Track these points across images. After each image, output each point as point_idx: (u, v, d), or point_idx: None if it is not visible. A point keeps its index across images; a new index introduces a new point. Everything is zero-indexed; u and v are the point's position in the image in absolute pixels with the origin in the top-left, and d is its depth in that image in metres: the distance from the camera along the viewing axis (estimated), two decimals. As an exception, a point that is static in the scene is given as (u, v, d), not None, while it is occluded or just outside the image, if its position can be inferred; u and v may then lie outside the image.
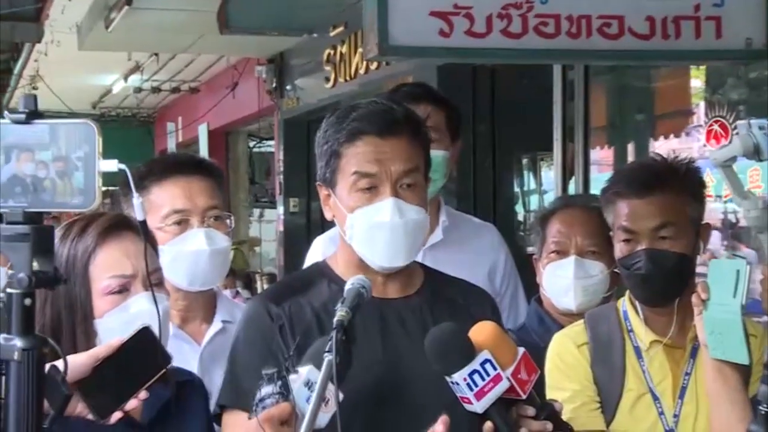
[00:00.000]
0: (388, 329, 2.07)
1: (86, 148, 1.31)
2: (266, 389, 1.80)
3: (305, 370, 1.81)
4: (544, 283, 2.77)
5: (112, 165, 1.31)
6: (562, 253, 2.72)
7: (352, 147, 2.04)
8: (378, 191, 2.03)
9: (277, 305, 2.07)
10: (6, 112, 1.33)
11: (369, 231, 2.04)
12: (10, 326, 1.31)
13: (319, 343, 1.84)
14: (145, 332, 1.62)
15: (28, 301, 1.31)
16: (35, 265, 1.30)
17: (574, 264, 2.69)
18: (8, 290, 1.30)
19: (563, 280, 2.71)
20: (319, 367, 1.77)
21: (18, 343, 1.31)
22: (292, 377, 1.81)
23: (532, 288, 3.14)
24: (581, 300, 2.68)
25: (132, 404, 1.64)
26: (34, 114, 1.33)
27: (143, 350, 1.59)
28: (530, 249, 2.94)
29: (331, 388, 1.75)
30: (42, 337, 1.33)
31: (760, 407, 1.84)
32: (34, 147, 1.32)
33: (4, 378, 1.33)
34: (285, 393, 1.79)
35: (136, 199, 1.45)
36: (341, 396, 1.76)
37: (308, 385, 1.79)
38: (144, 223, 1.52)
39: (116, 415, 1.62)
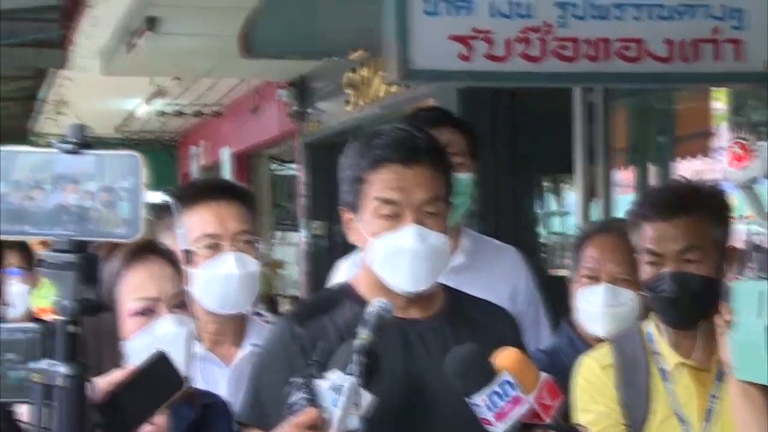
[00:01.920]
0: (410, 350, 2.10)
1: (132, 179, 1.34)
2: (295, 396, 1.83)
3: (332, 376, 1.85)
4: (576, 306, 2.78)
5: (158, 197, 1.35)
6: (593, 279, 2.73)
7: (375, 174, 2.08)
8: (400, 218, 2.06)
9: (300, 325, 2.11)
10: (55, 142, 1.37)
11: (391, 257, 2.08)
12: (55, 352, 1.34)
13: (346, 349, 1.87)
14: (160, 357, 1.64)
15: (72, 329, 1.33)
16: (80, 293, 1.33)
17: (604, 291, 2.70)
18: (54, 317, 1.33)
19: (593, 307, 2.72)
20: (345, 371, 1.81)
21: (62, 369, 1.34)
22: (318, 383, 1.85)
23: (555, 309, 3.16)
24: (610, 327, 2.68)
25: (147, 430, 1.67)
26: (82, 144, 1.36)
27: (159, 375, 1.61)
28: (563, 272, 2.94)
29: (361, 393, 1.79)
30: (85, 364, 1.36)
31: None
32: (81, 177, 1.35)
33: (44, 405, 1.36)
34: (312, 399, 1.82)
35: (179, 229, 1.48)
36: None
37: (335, 389, 1.82)
38: (187, 251, 1.55)
39: None
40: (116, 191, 1.33)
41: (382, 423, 1.92)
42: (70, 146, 1.35)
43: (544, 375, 1.91)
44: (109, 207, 1.34)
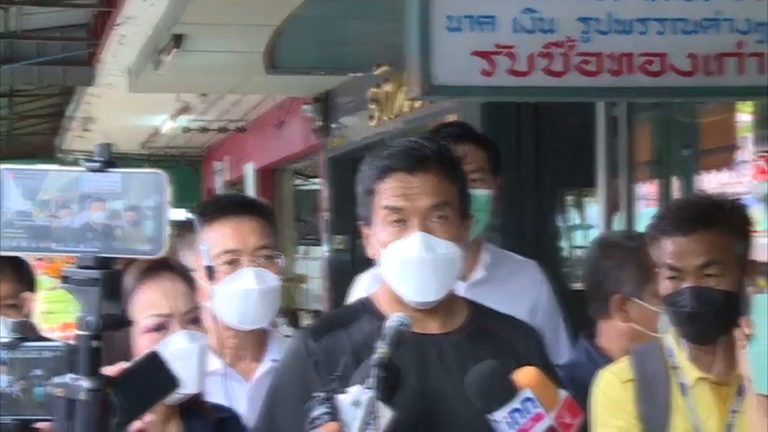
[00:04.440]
0: (427, 365, 2.10)
1: (156, 197, 1.36)
2: (316, 411, 1.85)
3: (353, 390, 1.86)
4: None
5: (181, 214, 1.37)
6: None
7: (382, 183, 2.10)
8: (407, 226, 2.07)
9: (315, 340, 2.13)
10: (82, 161, 1.39)
11: (399, 266, 2.08)
12: (78, 367, 1.36)
13: (367, 364, 1.88)
14: (153, 357, 1.65)
15: (95, 343, 1.36)
16: (104, 309, 1.36)
17: None
18: (78, 332, 1.36)
19: None
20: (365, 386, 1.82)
21: (84, 383, 1.36)
22: (340, 397, 1.86)
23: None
24: None
25: (135, 427, 1.68)
26: (108, 163, 1.38)
27: (151, 375, 1.62)
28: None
29: (381, 407, 1.80)
30: (108, 377, 1.38)
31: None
32: (108, 196, 1.38)
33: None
34: (333, 413, 1.83)
35: (202, 245, 1.50)
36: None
37: (356, 404, 1.84)
38: (210, 267, 1.57)
39: None
40: (141, 210, 1.36)
41: None
42: (96, 165, 1.38)
43: (563, 393, 1.91)
44: (135, 225, 1.36)
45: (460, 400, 2.00)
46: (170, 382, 1.64)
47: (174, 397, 1.88)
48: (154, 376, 1.60)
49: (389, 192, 2.08)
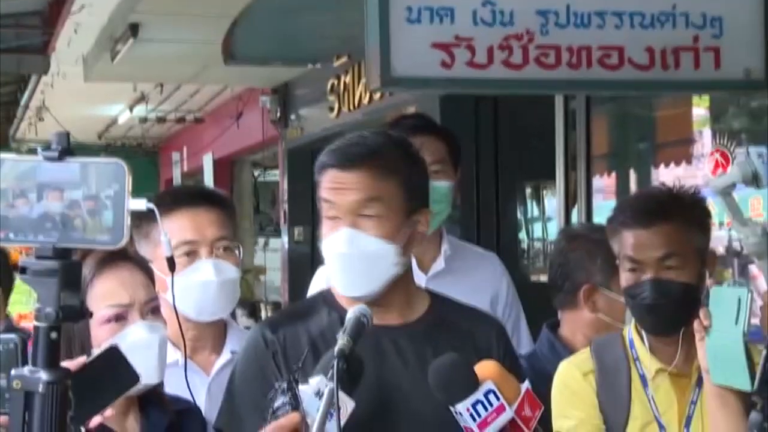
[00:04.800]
0: (384, 358, 2.09)
1: (116, 186, 1.34)
2: (278, 401, 1.84)
3: (315, 381, 1.86)
4: None
5: (141, 204, 1.35)
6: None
7: (320, 177, 2.12)
8: (339, 221, 2.08)
9: (272, 332, 2.12)
10: (39, 149, 1.37)
11: (330, 261, 2.10)
12: (36, 359, 1.34)
13: (330, 355, 1.88)
14: (112, 351, 1.64)
15: (54, 335, 1.33)
16: (62, 300, 1.34)
17: None
18: (35, 323, 1.34)
19: None
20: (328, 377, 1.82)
21: (43, 375, 1.34)
22: (302, 388, 1.86)
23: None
24: None
25: (95, 421, 1.67)
26: (66, 152, 1.36)
27: (110, 369, 1.60)
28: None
29: (342, 397, 1.80)
30: (66, 370, 1.36)
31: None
32: (66, 185, 1.35)
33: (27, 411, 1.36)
34: (295, 403, 1.83)
35: (164, 236, 1.48)
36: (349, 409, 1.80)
37: (318, 395, 1.83)
38: (171, 258, 1.55)
39: None
40: (101, 199, 1.33)
41: (348, 428, 1.90)
42: (54, 154, 1.35)
43: (523, 386, 1.93)
44: (94, 215, 1.34)
45: (417, 393, 2.00)
46: (130, 376, 1.63)
47: (133, 389, 1.86)
48: (113, 370, 1.59)
49: (324, 186, 2.10)
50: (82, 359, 1.66)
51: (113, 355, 1.61)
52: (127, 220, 1.34)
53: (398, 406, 2.05)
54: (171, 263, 1.58)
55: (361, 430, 1.95)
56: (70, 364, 1.59)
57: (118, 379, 1.61)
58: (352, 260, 2.06)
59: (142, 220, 2.49)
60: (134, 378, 1.66)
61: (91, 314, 1.38)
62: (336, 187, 2.07)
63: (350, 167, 2.07)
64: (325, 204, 2.10)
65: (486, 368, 1.92)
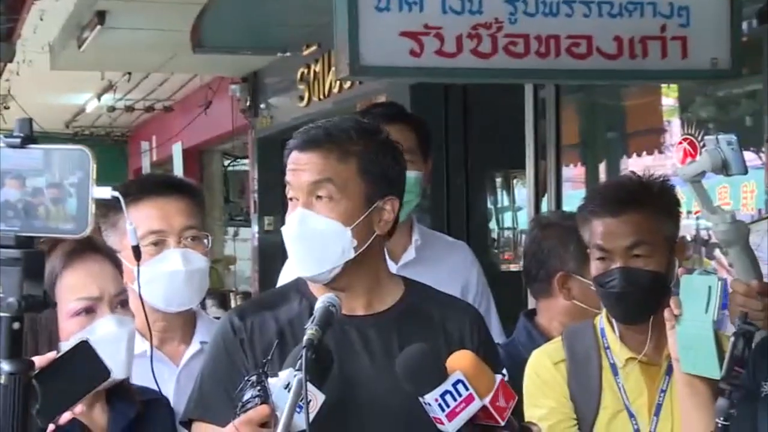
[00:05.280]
0: (349, 348, 2.07)
1: (80, 174, 1.32)
2: (247, 394, 1.83)
3: (285, 374, 1.84)
4: None
5: (105, 192, 1.33)
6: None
7: (287, 161, 2.12)
8: (296, 203, 2.08)
9: (240, 319, 2.11)
10: (1, 137, 1.34)
11: (285, 240, 2.11)
12: (-3, 349, 1.32)
13: (300, 348, 1.86)
14: (83, 346, 1.62)
15: (16, 325, 1.31)
16: (25, 289, 1.31)
17: None
18: (-3, 313, 1.31)
19: None
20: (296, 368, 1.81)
21: (5, 366, 1.32)
22: (272, 380, 1.84)
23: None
24: None
25: (65, 417, 1.65)
26: (28, 139, 1.33)
27: (81, 364, 1.59)
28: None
29: (312, 390, 1.78)
30: (30, 361, 1.34)
31: (717, 420, 1.88)
32: (28, 172, 1.33)
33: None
34: (264, 396, 1.82)
35: (129, 225, 1.46)
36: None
37: (288, 387, 1.82)
38: (137, 248, 1.53)
39: (50, 428, 1.63)
40: (64, 187, 1.31)
41: (316, 421, 1.89)
42: (16, 141, 1.33)
43: (498, 376, 1.92)
44: (57, 203, 1.31)
45: (383, 384, 1.99)
46: (101, 371, 1.61)
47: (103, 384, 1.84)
48: (84, 365, 1.57)
49: (287, 169, 2.12)
50: (51, 354, 1.64)
51: (84, 350, 1.59)
52: (92, 209, 1.32)
53: (362, 398, 2.03)
54: (137, 252, 1.55)
55: (325, 423, 1.93)
56: (40, 359, 1.57)
57: (88, 375, 1.60)
58: (303, 239, 2.07)
59: (110, 209, 2.46)
60: (105, 373, 1.65)
61: (55, 304, 1.36)
62: (293, 168, 2.09)
63: (306, 148, 2.08)
64: (287, 186, 2.11)
65: (460, 358, 1.91)
